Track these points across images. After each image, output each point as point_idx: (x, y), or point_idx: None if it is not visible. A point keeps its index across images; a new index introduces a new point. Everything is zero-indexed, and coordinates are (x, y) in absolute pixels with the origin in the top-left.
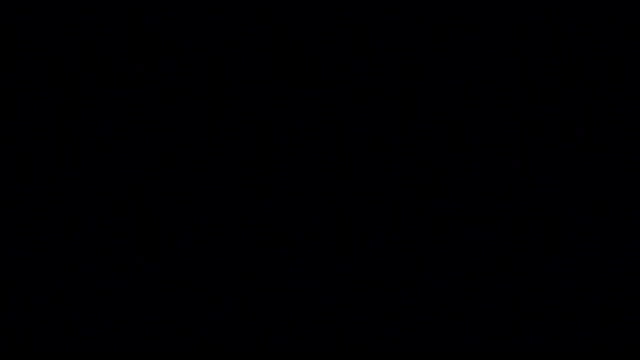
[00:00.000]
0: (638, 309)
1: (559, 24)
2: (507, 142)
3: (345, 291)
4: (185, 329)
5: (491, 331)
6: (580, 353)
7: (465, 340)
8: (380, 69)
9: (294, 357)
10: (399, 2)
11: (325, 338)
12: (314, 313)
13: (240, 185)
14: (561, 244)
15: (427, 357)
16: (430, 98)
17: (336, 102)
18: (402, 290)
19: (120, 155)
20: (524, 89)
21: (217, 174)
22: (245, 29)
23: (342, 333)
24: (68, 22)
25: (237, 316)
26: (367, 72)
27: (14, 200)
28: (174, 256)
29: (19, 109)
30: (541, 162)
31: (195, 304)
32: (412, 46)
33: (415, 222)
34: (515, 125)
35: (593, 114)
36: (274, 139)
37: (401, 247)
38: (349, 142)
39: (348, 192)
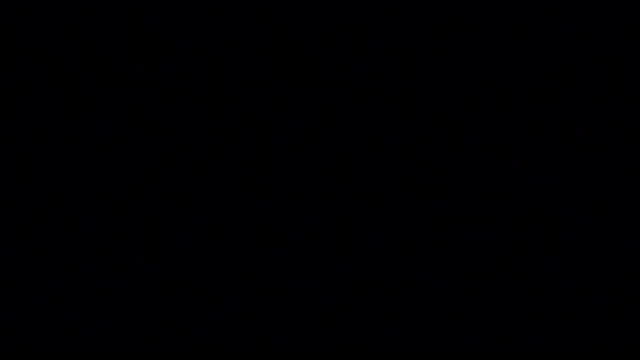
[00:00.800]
0: (638, 309)
1: (559, 24)
2: (507, 142)
3: (345, 291)
4: (185, 329)
5: (491, 331)
6: (580, 353)
7: (465, 340)
8: (380, 69)
9: (294, 357)
10: (399, 2)
11: (325, 338)
12: (314, 313)
13: (240, 185)
14: (561, 244)
15: (427, 357)
16: (430, 98)
17: (336, 102)
18: (402, 290)
19: (120, 155)
20: (524, 89)
21: (217, 174)
22: (245, 29)
23: (342, 333)
24: (68, 22)
25: (237, 316)
26: (367, 72)
27: (14, 200)
28: (174, 256)
29: (19, 109)
30: (541, 162)
31: (195, 304)
32: (412, 46)
33: (415, 222)
34: (515, 125)
35: (593, 114)
36: (274, 139)
37: (401, 247)
38: (349, 142)
39: (348, 192)
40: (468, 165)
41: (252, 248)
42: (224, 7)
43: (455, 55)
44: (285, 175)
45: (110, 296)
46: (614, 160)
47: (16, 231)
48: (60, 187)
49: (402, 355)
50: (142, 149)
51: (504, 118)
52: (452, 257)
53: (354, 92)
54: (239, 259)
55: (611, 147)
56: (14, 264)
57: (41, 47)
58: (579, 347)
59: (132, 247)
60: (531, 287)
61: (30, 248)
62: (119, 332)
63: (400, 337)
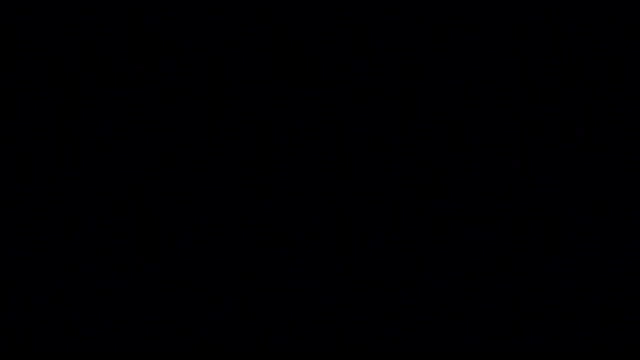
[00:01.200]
0: (638, 309)
1: (559, 24)
2: (507, 142)
3: (345, 291)
4: (185, 329)
5: (491, 331)
6: (580, 353)
7: (465, 340)
8: (380, 69)
9: (294, 357)
10: (399, 2)
11: (325, 338)
12: (314, 313)
13: (240, 185)
14: (561, 244)
15: (427, 357)
16: (430, 98)
17: (336, 102)
18: (402, 290)
19: (120, 155)
20: (524, 89)
21: (217, 174)
22: (245, 29)
23: (342, 333)
24: (68, 22)
25: (237, 316)
26: (367, 72)
27: (14, 200)
28: (174, 256)
29: (19, 109)
30: (541, 162)
31: (195, 304)
32: (412, 46)
33: (415, 222)
34: (515, 125)
35: (593, 114)
36: (274, 139)
37: (401, 247)
38: (349, 142)
39: (348, 192)
40: (468, 165)
41: (252, 248)
42: (224, 7)
43: (455, 55)
44: (285, 175)
45: (110, 296)
46: (614, 160)
47: (16, 231)
48: (60, 187)
49: (402, 355)
50: (142, 149)
51: (504, 118)
52: (452, 257)
53: (354, 92)
54: (239, 259)
55: (611, 147)
56: (14, 264)
57: (41, 47)
58: (579, 347)
59: (132, 247)
60: (531, 287)
61: (30, 248)
62: (119, 332)
63: (400, 337)
